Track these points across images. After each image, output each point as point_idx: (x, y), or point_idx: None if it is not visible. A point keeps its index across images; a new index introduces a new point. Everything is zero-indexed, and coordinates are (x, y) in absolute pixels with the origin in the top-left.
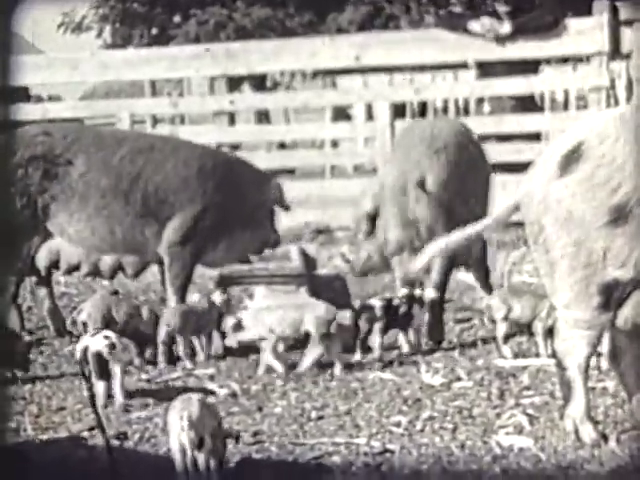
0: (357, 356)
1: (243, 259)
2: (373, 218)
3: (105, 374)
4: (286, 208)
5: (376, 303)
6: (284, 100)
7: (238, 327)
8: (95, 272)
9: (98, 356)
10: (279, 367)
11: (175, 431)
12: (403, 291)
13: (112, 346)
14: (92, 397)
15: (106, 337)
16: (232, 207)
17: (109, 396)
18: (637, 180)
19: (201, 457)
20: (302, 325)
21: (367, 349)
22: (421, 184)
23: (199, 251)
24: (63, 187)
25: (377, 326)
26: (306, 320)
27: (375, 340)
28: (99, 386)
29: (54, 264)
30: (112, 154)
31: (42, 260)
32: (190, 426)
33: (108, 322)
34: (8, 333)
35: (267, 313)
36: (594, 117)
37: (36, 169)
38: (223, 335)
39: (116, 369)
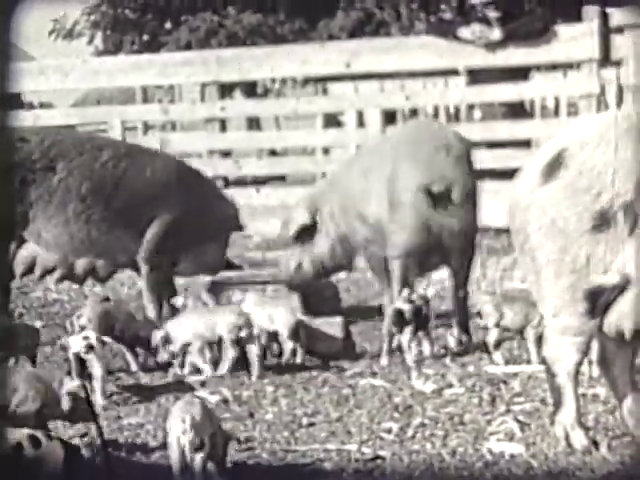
0: (384, 361)
1: (208, 271)
2: (306, 228)
3: (84, 374)
4: (240, 229)
5: (405, 307)
6: (275, 107)
7: (167, 340)
8: (68, 276)
9: (77, 356)
10: (207, 369)
11: (176, 433)
12: (418, 292)
13: (90, 347)
14: (88, 400)
15: (85, 338)
16: (201, 218)
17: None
18: (619, 186)
19: (198, 459)
20: (216, 329)
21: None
22: (448, 193)
23: (175, 259)
24: (41, 192)
25: (408, 330)
26: (218, 324)
27: (407, 345)
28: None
29: (30, 269)
30: (93, 159)
31: (19, 266)
32: (192, 428)
33: (106, 327)
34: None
35: (187, 318)
36: (576, 124)
37: (14, 176)
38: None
39: (97, 371)
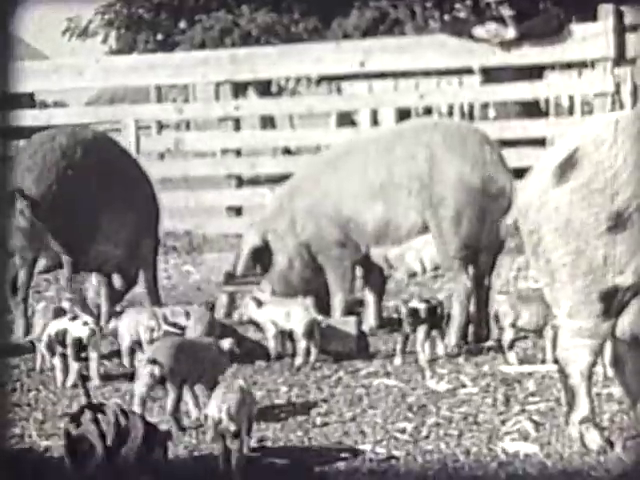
0: (398, 360)
1: None
2: (259, 251)
3: (80, 357)
4: None
5: (420, 306)
6: (289, 106)
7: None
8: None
9: (77, 340)
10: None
11: (212, 422)
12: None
13: (92, 332)
14: (85, 383)
15: (85, 323)
16: None
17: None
18: (635, 186)
19: (235, 447)
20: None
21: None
22: (502, 189)
23: None
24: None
25: (422, 329)
26: (139, 327)
27: (421, 344)
28: (74, 367)
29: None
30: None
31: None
32: (229, 418)
33: None
34: None
35: (125, 318)
36: (589, 123)
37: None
38: None
39: (93, 354)
